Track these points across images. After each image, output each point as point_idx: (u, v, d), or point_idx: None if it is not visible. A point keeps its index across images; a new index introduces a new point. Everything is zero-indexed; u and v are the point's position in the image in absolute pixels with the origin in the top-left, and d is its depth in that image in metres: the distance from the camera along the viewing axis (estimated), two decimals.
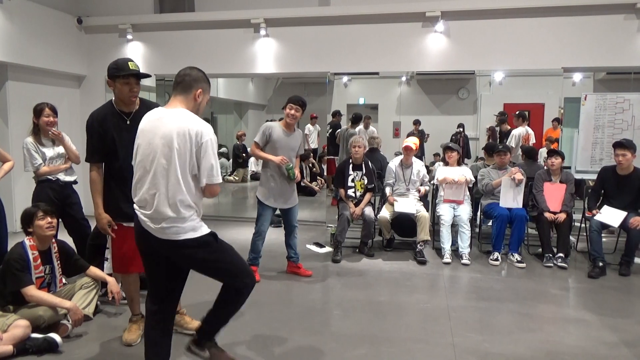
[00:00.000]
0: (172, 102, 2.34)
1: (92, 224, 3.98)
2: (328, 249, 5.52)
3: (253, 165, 11.23)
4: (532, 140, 6.87)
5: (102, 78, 7.27)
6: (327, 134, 8.12)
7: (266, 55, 6.81)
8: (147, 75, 2.96)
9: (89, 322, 3.43)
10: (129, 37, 7.06)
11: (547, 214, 4.98)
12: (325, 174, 9.25)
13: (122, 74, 2.75)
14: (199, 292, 4.12)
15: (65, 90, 7.12)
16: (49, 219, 3.31)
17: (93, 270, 3.54)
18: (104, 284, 3.60)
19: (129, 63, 2.78)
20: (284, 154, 4.22)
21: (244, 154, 11.20)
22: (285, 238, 4.58)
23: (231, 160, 11.63)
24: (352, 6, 6.43)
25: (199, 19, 6.91)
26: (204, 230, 2.32)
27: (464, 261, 4.97)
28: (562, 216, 4.94)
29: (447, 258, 5.00)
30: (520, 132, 6.78)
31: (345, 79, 9.10)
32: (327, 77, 6.89)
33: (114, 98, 2.89)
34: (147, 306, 2.47)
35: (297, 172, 4.34)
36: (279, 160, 4.16)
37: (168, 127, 2.21)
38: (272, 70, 6.86)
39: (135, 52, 7.16)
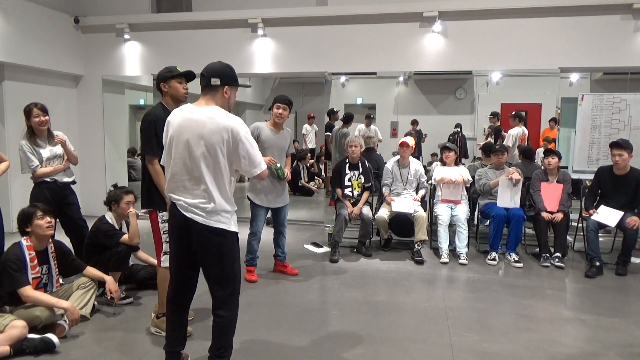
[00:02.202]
0: (201, 99, 2.42)
1: (90, 224, 3.99)
2: (325, 248, 5.52)
3: None
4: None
5: (99, 78, 7.28)
6: (330, 139, 8.07)
7: (264, 55, 6.81)
8: (194, 76, 3.22)
9: (86, 323, 3.42)
10: (126, 36, 7.04)
11: (544, 214, 5.00)
12: (323, 174, 9.25)
13: (175, 74, 3.13)
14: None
15: (62, 90, 7.10)
16: (48, 219, 3.30)
17: (90, 270, 3.54)
18: (101, 283, 3.59)
19: (177, 67, 3.18)
20: (273, 153, 4.24)
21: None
22: (274, 237, 4.59)
23: None
24: (349, 6, 6.43)
25: (196, 19, 6.90)
26: (234, 227, 2.47)
27: (461, 261, 4.98)
28: (559, 216, 4.95)
29: (445, 258, 5.01)
30: (517, 132, 6.80)
31: (342, 78, 9.11)
32: (324, 77, 6.89)
33: (163, 100, 3.19)
34: (169, 295, 2.66)
35: (286, 171, 4.36)
36: (265, 160, 4.14)
37: (203, 125, 2.30)
38: (270, 70, 6.86)
39: (133, 52, 7.15)
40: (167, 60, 6.86)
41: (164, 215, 3.12)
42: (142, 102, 9.68)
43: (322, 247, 5.60)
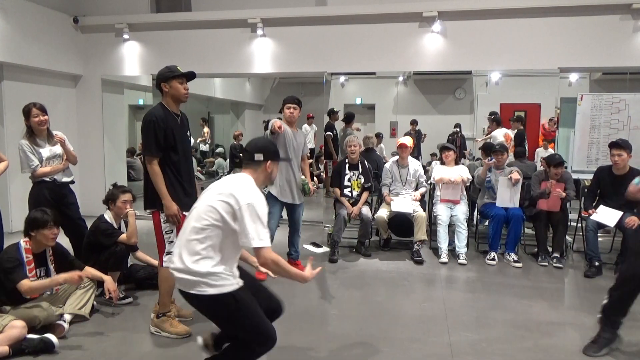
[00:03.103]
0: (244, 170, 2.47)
1: (89, 224, 3.98)
2: (325, 248, 5.52)
3: None
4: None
5: (99, 78, 7.27)
6: (329, 139, 8.07)
7: (263, 55, 6.80)
8: (195, 76, 3.23)
9: (85, 322, 3.42)
10: (126, 36, 7.04)
11: (540, 202, 4.99)
12: (322, 174, 9.25)
13: (177, 74, 3.12)
14: None
15: (61, 90, 7.10)
16: (55, 230, 3.30)
17: (89, 270, 3.53)
18: (100, 284, 3.59)
19: (177, 67, 3.16)
20: (290, 152, 4.39)
21: (240, 154, 11.17)
22: (289, 235, 4.67)
23: (228, 160, 11.62)
24: (349, 6, 6.43)
25: (195, 19, 6.90)
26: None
27: (460, 261, 4.98)
28: (559, 186, 4.91)
29: (444, 258, 5.01)
30: (502, 133, 6.90)
31: (342, 79, 9.12)
32: (324, 77, 6.89)
33: (163, 100, 3.19)
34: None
35: (311, 185, 4.59)
36: (278, 124, 4.19)
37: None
38: (269, 70, 6.85)
39: (132, 52, 7.15)
40: (167, 60, 6.84)
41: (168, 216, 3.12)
42: (141, 102, 9.68)
43: (321, 247, 5.60)
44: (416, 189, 5.45)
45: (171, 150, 3.13)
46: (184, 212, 3.16)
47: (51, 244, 3.31)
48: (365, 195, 5.28)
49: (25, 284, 3.10)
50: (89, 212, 4.56)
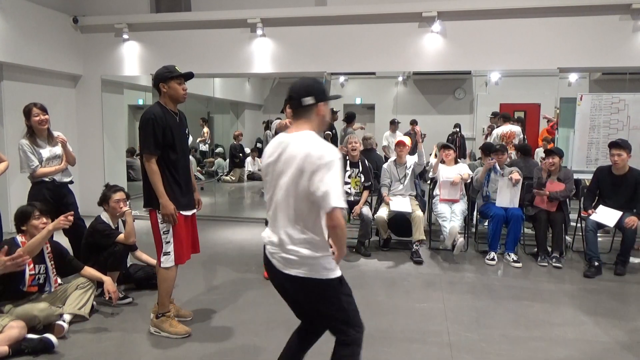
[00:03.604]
0: (295, 125, 2.11)
1: (88, 224, 3.98)
2: None
3: (249, 165, 11.23)
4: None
5: (98, 78, 7.27)
6: (328, 138, 8.11)
7: (263, 55, 6.80)
8: (193, 76, 3.22)
9: (85, 322, 3.42)
10: (125, 36, 7.04)
11: (537, 200, 5.03)
12: None
13: (175, 74, 3.10)
14: (197, 290, 4.12)
15: (60, 90, 7.09)
16: (44, 219, 3.31)
17: (88, 270, 3.53)
18: (100, 284, 3.59)
19: (176, 67, 3.15)
20: None
21: (240, 154, 11.19)
22: None
23: (228, 160, 11.62)
24: (348, 6, 6.43)
25: (195, 19, 6.90)
26: None
27: (445, 239, 4.98)
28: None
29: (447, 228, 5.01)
30: (503, 130, 6.90)
31: (342, 78, 9.11)
32: (323, 77, 6.89)
33: (161, 100, 3.17)
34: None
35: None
36: (284, 122, 4.17)
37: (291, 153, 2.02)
38: (269, 70, 6.86)
39: (132, 52, 7.15)
40: (166, 60, 6.83)
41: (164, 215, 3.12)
42: (141, 102, 9.69)
43: None
44: (421, 175, 5.45)
45: (169, 149, 3.12)
46: (181, 212, 3.17)
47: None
48: (365, 194, 5.28)
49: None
50: (88, 212, 4.56)
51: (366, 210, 5.19)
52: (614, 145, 4.75)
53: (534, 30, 6.01)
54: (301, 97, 2.05)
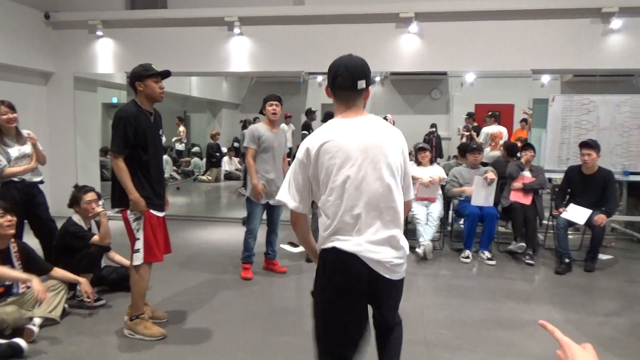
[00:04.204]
0: (349, 110, 1.91)
1: (59, 225, 3.89)
2: (302, 248, 5.52)
3: (226, 165, 11.15)
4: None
5: (71, 75, 7.10)
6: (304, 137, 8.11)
7: (240, 53, 6.76)
8: (170, 74, 3.16)
9: (56, 326, 3.34)
10: (99, 33, 6.89)
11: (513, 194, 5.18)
12: None
13: (152, 73, 3.05)
14: (173, 291, 4.06)
15: (31, 88, 6.91)
16: (9, 217, 3.22)
17: (59, 271, 3.45)
18: (71, 286, 3.51)
19: (152, 65, 3.09)
20: (271, 153, 4.38)
21: (217, 153, 11.10)
22: (267, 235, 4.64)
23: (204, 159, 11.51)
24: (326, 6, 6.44)
25: (171, 16, 6.81)
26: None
27: (418, 250, 5.04)
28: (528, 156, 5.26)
29: (420, 250, 5.05)
30: (492, 130, 7.01)
31: (319, 78, 9.11)
32: (301, 76, 6.89)
33: (137, 98, 3.11)
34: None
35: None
36: (259, 189, 4.26)
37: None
38: (246, 69, 6.81)
39: (106, 49, 7.01)
40: (142, 58, 6.72)
41: (135, 214, 3.07)
42: (115, 100, 9.52)
43: (298, 246, 5.59)
44: None
45: (141, 150, 3.06)
46: (153, 212, 3.12)
47: (9, 232, 3.22)
48: None
49: None
50: (60, 212, 4.45)
51: None
52: (584, 145, 4.88)
53: (508, 33, 6.12)
54: (358, 79, 1.87)
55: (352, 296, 1.88)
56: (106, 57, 7.04)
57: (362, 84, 1.87)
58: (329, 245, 1.86)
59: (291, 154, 10.00)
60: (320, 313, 1.98)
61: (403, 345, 2.26)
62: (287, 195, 1.93)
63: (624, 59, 5.92)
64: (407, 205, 2.00)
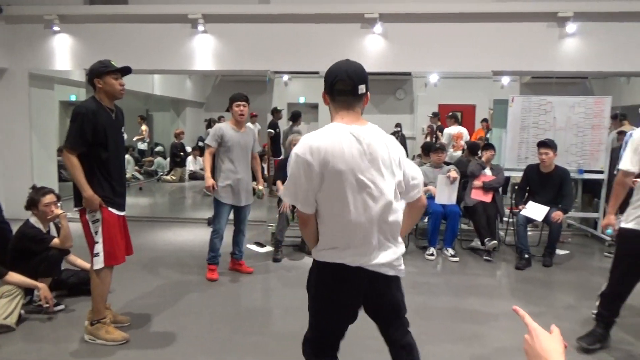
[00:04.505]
0: (347, 116, 1.90)
1: (14, 228, 3.73)
2: (269, 248, 5.49)
3: (191, 165, 10.96)
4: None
5: (26, 71, 6.81)
6: (269, 136, 8.08)
7: (204, 51, 6.65)
8: (130, 71, 3.07)
9: (12, 333, 3.20)
10: (56, 28, 6.64)
11: (474, 192, 5.32)
12: (266, 172, 9.19)
13: (111, 69, 2.96)
14: (136, 294, 3.96)
15: None
16: None
17: (14, 276, 3.31)
18: (27, 291, 3.37)
19: (111, 62, 3.01)
20: (237, 153, 4.32)
21: (181, 153, 10.89)
22: (234, 235, 4.59)
23: (168, 159, 11.28)
24: (291, 5, 6.42)
25: (132, 12, 6.63)
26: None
27: None
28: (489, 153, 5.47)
29: None
30: (453, 131, 7.18)
31: (285, 77, 9.10)
32: (267, 75, 6.85)
33: (96, 95, 3.01)
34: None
35: (260, 187, 4.63)
36: (209, 184, 4.24)
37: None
38: (211, 67, 6.71)
39: (63, 45, 6.76)
40: (102, 54, 6.48)
41: (95, 215, 2.98)
42: (73, 98, 9.19)
43: (265, 246, 5.56)
44: None
45: (100, 147, 2.96)
46: (112, 210, 3.03)
47: None
48: None
49: None
50: (15, 215, 4.28)
51: None
52: (541, 144, 5.06)
53: (470, 35, 6.27)
54: (359, 83, 1.88)
55: (351, 301, 2.01)
56: (64, 53, 6.79)
57: (362, 88, 1.88)
58: (329, 260, 1.90)
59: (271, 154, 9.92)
60: (319, 316, 2.10)
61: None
62: (294, 200, 1.89)
63: (578, 61, 6.17)
64: (417, 205, 2.03)
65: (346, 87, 1.87)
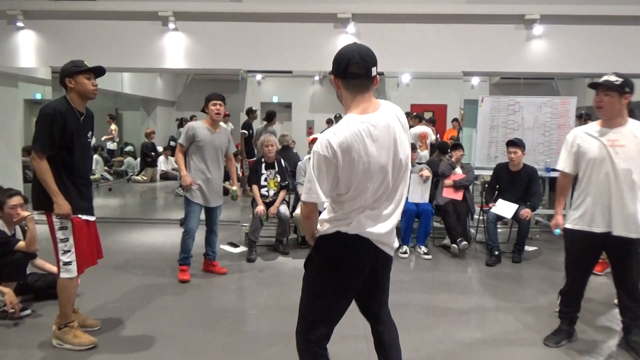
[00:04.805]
0: (365, 101, 1.91)
1: None
2: (243, 248, 5.45)
3: (162, 165, 10.78)
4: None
5: None
6: (243, 137, 8.02)
7: (175, 50, 6.55)
8: (104, 71, 3.01)
9: None
10: (20, 24, 6.42)
11: (445, 191, 5.42)
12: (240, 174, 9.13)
13: (83, 69, 2.89)
14: (103, 295, 3.88)
15: None
16: None
17: None
18: None
19: (84, 62, 2.93)
20: (209, 153, 4.27)
21: (152, 153, 10.71)
22: (206, 235, 4.54)
23: (139, 159, 11.07)
24: (263, 4, 6.38)
25: (101, 9, 6.46)
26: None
27: None
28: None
29: None
30: (419, 130, 7.32)
31: (258, 76, 9.05)
32: (240, 74, 6.79)
33: (68, 95, 2.93)
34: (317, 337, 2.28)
35: (235, 187, 4.59)
36: (187, 182, 4.20)
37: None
38: (182, 65, 6.61)
39: (27, 42, 6.54)
40: (68, 52, 6.37)
41: (63, 222, 2.89)
42: (38, 96, 8.91)
43: (238, 246, 5.51)
44: None
45: (66, 151, 2.88)
46: (80, 216, 2.95)
47: None
48: (282, 193, 5.28)
49: None
50: None
51: (284, 209, 5.20)
52: (510, 143, 5.18)
53: (441, 36, 6.37)
54: (372, 66, 1.90)
55: (364, 269, 2.08)
56: (28, 50, 6.58)
57: (374, 70, 1.89)
58: (347, 231, 1.93)
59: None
60: (326, 292, 2.23)
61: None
62: (316, 197, 1.87)
63: (545, 63, 6.34)
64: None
65: (360, 69, 1.86)
